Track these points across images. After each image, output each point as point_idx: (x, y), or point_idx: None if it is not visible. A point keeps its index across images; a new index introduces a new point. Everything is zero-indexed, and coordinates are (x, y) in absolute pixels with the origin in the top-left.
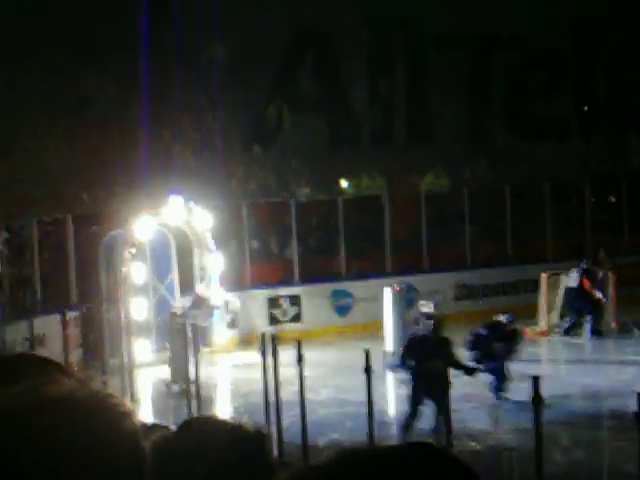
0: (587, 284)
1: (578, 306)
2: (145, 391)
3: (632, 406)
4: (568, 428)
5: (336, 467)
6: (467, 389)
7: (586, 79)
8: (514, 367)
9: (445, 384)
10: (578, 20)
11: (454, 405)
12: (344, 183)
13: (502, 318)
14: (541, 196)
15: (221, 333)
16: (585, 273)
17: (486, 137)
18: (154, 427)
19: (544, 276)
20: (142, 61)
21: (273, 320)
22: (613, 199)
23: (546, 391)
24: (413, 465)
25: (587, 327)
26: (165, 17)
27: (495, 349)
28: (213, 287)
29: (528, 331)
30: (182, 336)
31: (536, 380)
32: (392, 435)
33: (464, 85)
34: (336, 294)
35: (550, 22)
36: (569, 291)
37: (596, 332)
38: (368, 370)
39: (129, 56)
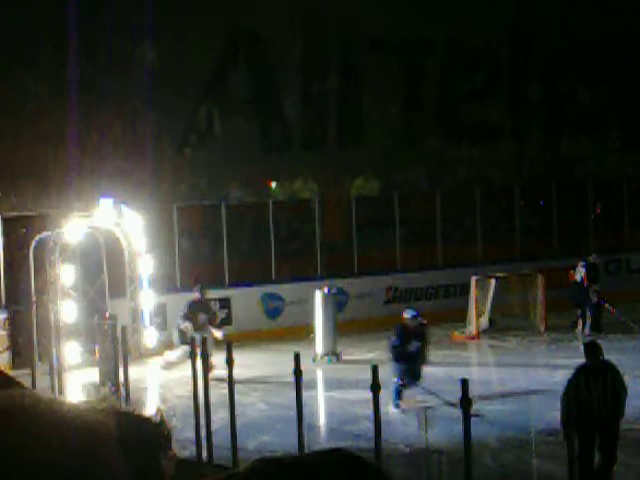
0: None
1: (580, 300)
2: (74, 393)
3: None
4: (497, 431)
5: (254, 475)
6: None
7: (521, 84)
8: (443, 371)
9: None
10: (513, 25)
11: (382, 409)
12: (275, 186)
13: (407, 316)
14: (472, 200)
15: (152, 335)
16: (589, 267)
17: (418, 141)
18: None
19: (474, 280)
20: (72, 63)
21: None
22: (542, 203)
23: (475, 394)
24: (331, 472)
25: (587, 323)
26: (96, 19)
27: (409, 349)
28: (144, 290)
29: (456, 335)
30: (111, 338)
31: (465, 383)
32: (321, 438)
33: (398, 89)
34: (266, 297)
35: (485, 27)
36: (574, 285)
37: (596, 328)
38: (297, 373)
39: (59, 58)
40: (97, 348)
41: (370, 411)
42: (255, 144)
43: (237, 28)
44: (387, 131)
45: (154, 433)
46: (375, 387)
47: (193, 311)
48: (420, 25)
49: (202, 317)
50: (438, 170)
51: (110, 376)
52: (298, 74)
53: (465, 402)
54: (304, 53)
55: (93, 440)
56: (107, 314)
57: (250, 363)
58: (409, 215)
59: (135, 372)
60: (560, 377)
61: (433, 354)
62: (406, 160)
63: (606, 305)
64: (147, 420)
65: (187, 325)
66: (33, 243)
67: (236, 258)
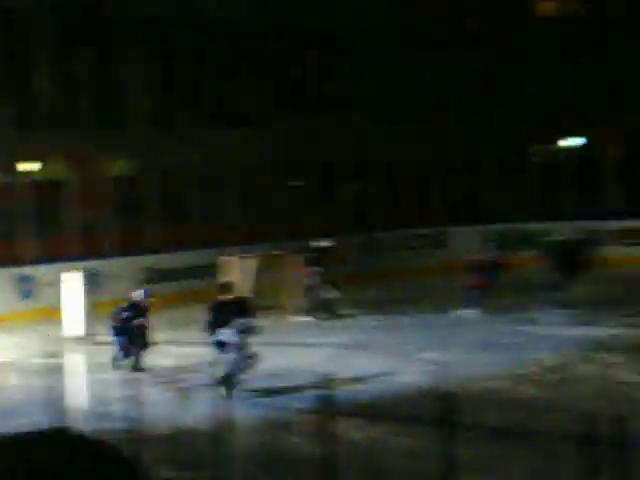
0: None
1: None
2: None
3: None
4: (258, 410)
5: None
6: (158, 371)
7: (280, 64)
8: (199, 352)
9: None
10: (278, 2)
11: (144, 390)
12: (28, 166)
13: (138, 294)
14: (222, 181)
15: None
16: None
17: (173, 122)
18: None
19: (225, 259)
20: None
21: None
22: (298, 184)
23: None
24: (45, 449)
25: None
26: None
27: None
28: None
29: None
30: None
31: (225, 365)
32: (78, 419)
33: (154, 69)
34: (18, 279)
35: (246, 5)
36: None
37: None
38: (51, 355)
39: None
40: None
41: (128, 392)
42: (7, 123)
43: None
44: (144, 111)
45: None
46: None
47: None
48: (168, 4)
49: None
50: (190, 151)
51: None
52: (52, 52)
53: (227, 381)
54: (57, 31)
55: None
56: None
57: (3, 345)
58: (165, 195)
59: None
60: (317, 356)
61: (186, 335)
62: (162, 140)
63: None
64: None
65: None
66: None
67: None
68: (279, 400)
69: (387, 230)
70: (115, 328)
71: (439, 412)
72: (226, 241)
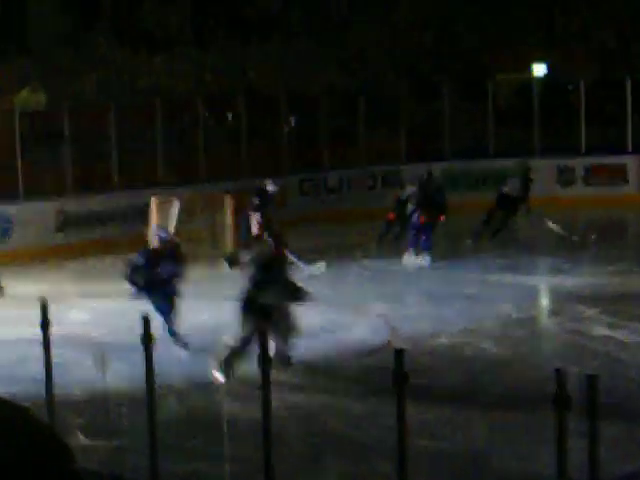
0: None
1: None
2: None
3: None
4: (182, 371)
5: None
6: (70, 328)
7: None
8: (120, 307)
9: None
10: None
11: (54, 350)
12: None
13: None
14: (152, 114)
15: None
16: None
17: (93, 49)
18: None
19: (154, 201)
20: None
21: None
22: (230, 116)
23: (155, 329)
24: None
25: None
26: None
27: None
28: None
29: None
30: None
31: (146, 320)
32: None
33: None
34: None
35: None
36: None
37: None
38: None
39: None
40: None
41: (40, 351)
42: None
43: None
44: (54, 36)
45: None
46: (45, 324)
47: None
48: None
49: None
50: (115, 82)
51: None
52: None
53: (146, 339)
54: None
55: None
56: None
57: None
58: (81, 131)
59: None
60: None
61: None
62: (77, 69)
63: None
64: None
65: None
66: None
67: None
68: (204, 355)
69: (336, 168)
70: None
71: (392, 372)
72: (154, 181)
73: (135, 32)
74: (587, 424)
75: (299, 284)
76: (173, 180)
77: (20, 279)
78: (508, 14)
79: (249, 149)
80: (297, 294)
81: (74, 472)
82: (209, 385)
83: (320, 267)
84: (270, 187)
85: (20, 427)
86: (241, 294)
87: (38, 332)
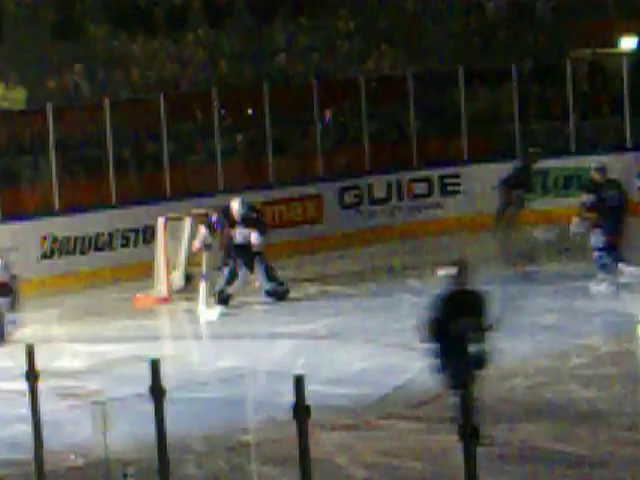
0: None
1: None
2: None
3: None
4: (203, 427)
5: None
6: (62, 381)
7: None
8: (124, 348)
9: None
10: None
11: (45, 407)
12: None
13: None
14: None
15: None
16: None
17: (79, 37)
18: None
19: (162, 221)
20: None
21: None
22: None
23: (171, 378)
24: None
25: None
26: None
27: None
28: None
29: (140, 298)
30: None
31: (155, 364)
32: None
33: None
34: None
35: None
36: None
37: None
38: None
39: None
40: None
41: (26, 409)
42: None
43: None
44: (36, 24)
45: None
46: (31, 374)
47: None
48: None
49: None
50: (106, 73)
51: None
52: None
53: (156, 391)
54: None
55: None
56: None
57: None
58: (68, 134)
59: None
60: (284, 350)
61: (109, 326)
62: (62, 60)
63: None
64: None
65: None
66: None
67: None
68: (231, 411)
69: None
70: None
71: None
72: (161, 194)
73: (130, 12)
74: None
75: None
76: (182, 192)
77: None
78: None
79: (274, 152)
80: None
81: None
82: (233, 445)
83: (219, 312)
84: (236, 205)
85: None
86: None
87: (23, 384)
